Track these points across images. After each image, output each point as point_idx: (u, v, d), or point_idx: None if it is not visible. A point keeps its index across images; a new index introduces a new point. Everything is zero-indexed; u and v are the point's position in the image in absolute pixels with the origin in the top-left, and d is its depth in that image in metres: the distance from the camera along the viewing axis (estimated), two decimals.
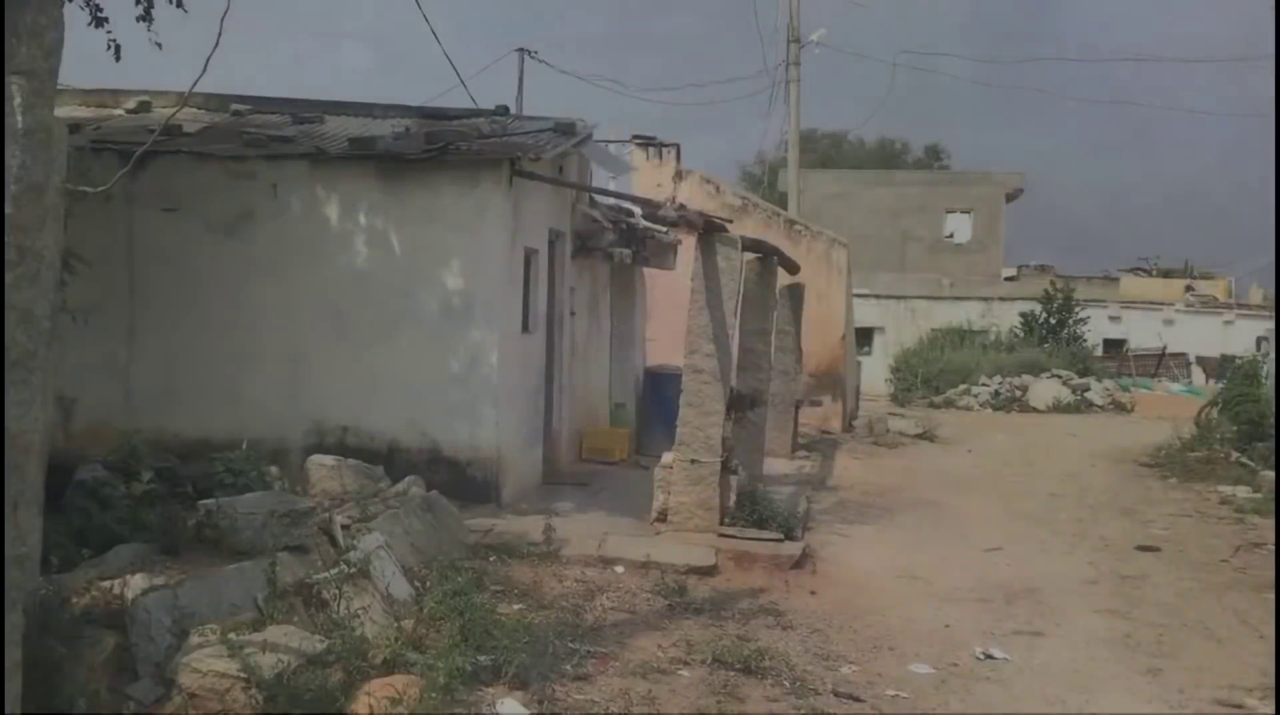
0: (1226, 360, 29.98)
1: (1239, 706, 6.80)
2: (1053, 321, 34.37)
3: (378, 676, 5.71)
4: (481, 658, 6.18)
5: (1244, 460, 17.18)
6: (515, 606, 7.61)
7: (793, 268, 14.91)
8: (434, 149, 11.11)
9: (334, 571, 6.79)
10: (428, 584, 7.44)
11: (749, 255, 11.99)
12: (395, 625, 6.45)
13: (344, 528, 7.79)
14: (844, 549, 10.71)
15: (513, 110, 15.36)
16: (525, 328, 11.99)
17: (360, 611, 6.36)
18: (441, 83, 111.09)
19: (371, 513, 8.42)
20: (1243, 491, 14.80)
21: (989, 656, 7.55)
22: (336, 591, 6.53)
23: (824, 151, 54.30)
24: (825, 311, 21.05)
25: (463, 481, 10.88)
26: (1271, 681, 7.21)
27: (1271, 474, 15.50)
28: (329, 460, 9.89)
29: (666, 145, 21.42)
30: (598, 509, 11.13)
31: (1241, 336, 33.41)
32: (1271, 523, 12.88)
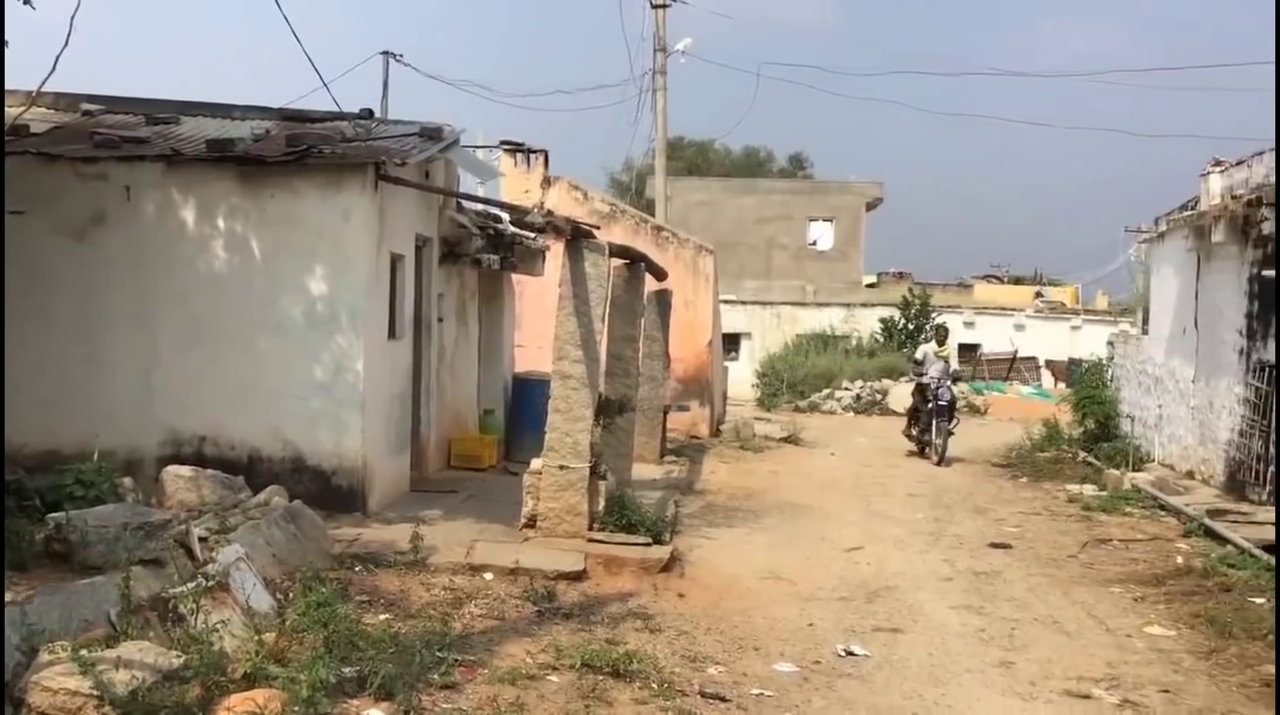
0: (1074, 364, 31.24)
1: (1087, 696, 7.10)
2: (911, 327, 35.32)
3: (238, 691, 5.58)
4: (346, 669, 6.08)
5: (1090, 460, 17.95)
6: (381, 616, 7.52)
7: (660, 274, 15.05)
8: (296, 152, 10.91)
9: (191, 585, 6.61)
10: (290, 595, 7.29)
11: (617, 261, 12.07)
12: (256, 638, 6.31)
13: (202, 540, 7.59)
14: (711, 552, 10.85)
15: (378, 114, 15.16)
16: (392, 334, 11.85)
17: (219, 625, 6.19)
18: (303, 85, 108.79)
19: (231, 524, 8.21)
20: (1089, 490, 15.44)
21: (850, 653, 7.76)
22: (194, 605, 6.35)
23: (691, 159, 54.87)
24: (693, 317, 21.29)
25: (328, 491, 10.70)
26: (1118, 672, 7.56)
27: (1116, 472, 16.23)
28: (186, 471, 9.61)
29: (535, 151, 21.39)
30: (466, 516, 11.06)
31: (1088, 341, 34.81)
32: (1116, 519, 13.51)
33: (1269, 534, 11.57)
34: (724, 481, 16.05)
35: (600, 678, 6.66)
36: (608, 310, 11.31)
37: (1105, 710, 6.86)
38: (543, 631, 7.61)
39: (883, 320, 36.07)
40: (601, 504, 10.37)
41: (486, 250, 14.59)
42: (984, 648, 8.10)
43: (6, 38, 8.78)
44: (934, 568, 10.78)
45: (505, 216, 13.88)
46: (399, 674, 6.14)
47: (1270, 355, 13.48)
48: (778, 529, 12.52)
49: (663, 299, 16.55)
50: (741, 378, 32.73)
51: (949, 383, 19.08)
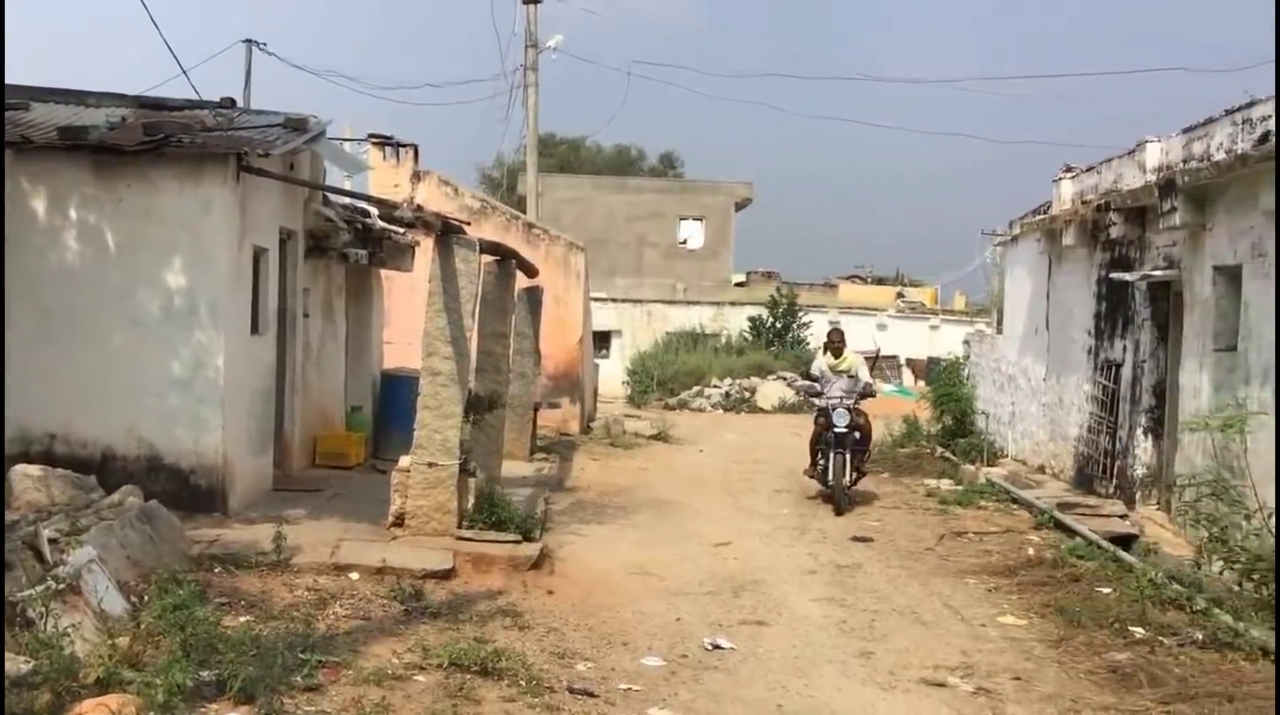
0: (933, 362, 32.17)
1: (943, 685, 7.33)
2: (779, 326, 35.93)
3: (90, 697, 5.39)
4: (204, 673, 5.93)
5: (948, 455, 18.52)
6: (242, 618, 7.35)
7: (531, 271, 15.02)
8: (153, 141, 10.55)
9: (40, 588, 6.36)
10: (146, 598, 7.07)
11: (487, 258, 12.01)
12: (109, 642, 6.10)
13: (52, 541, 7.29)
14: (581, 548, 10.88)
15: (240, 104, 14.77)
16: (255, 329, 11.57)
17: (70, 629, 5.98)
18: (160, 72, 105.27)
19: (83, 525, 7.92)
20: (946, 484, 15.93)
21: (716, 646, 7.87)
22: (43, 609, 6.11)
23: (563, 156, 54.79)
24: (563, 315, 21.28)
25: (186, 490, 10.40)
26: (972, 661, 7.83)
27: (972, 467, 16.78)
28: (35, 470, 9.24)
29: (404, 145, 21.12)
30: (332, 515, 10.87)
31: (946, 340, 35.92)
32: (971, 512, 13.96)
33: (1115, 526, 12.11)
34: (594, 478, 16.10)
35: (468, 676, 6.63)
36: (478, 307, 11.25)
37: (960, 698, 7.09)
38: (409, 631, 7.53)
39: (751, 319, 36.59)
40: (471, 501, 10.31)
41: (354, 245, 14.35)
42: (845, 639, 8.30)
43: None
44: (799, 562, 11.00)
45: (374, 211, 13.67)
46: (260, 677, 6.01)
47: (1116, 354, 14.09)
48: (647, 525, 12.62)
49: (533, 296, 16.52)
50: (612, 375, 32.86)
51: (852, 403, 14.34)
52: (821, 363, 15.18)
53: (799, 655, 7.81)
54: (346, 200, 14.41)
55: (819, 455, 14.55)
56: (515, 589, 9.02)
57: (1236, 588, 8.98)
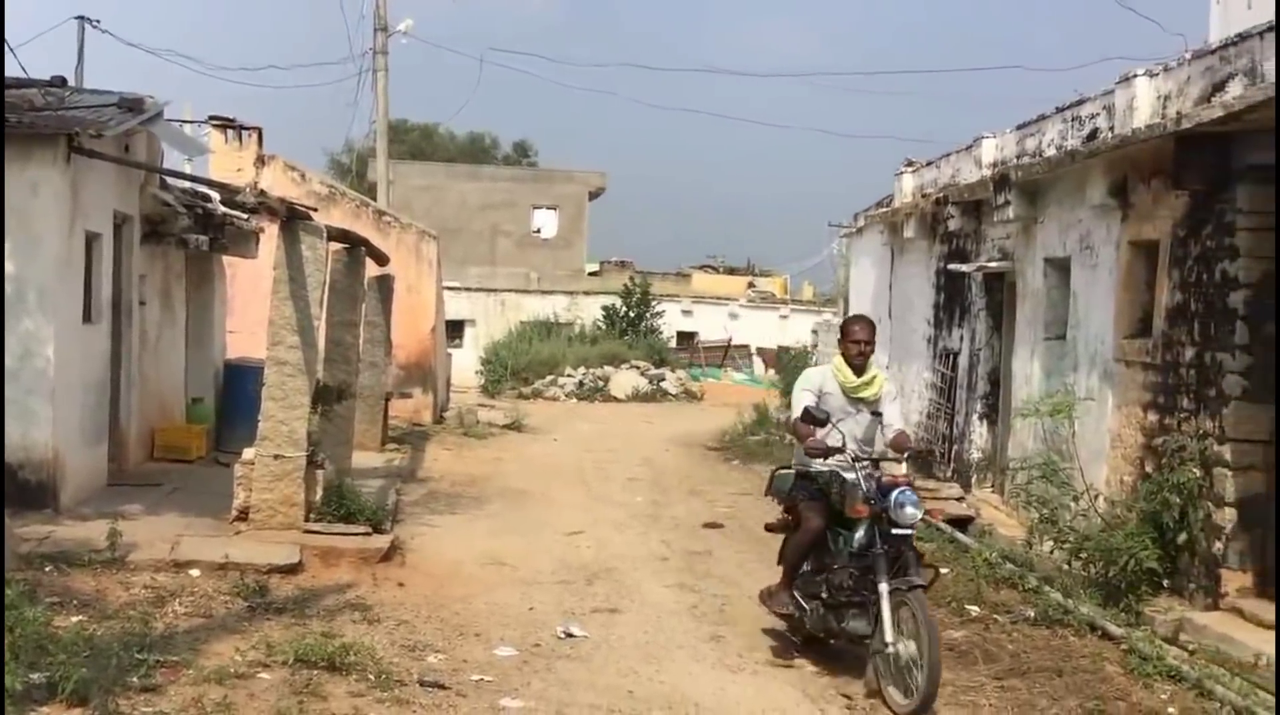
0: (783, 351, 32.83)
1: (790, 665, 7.52)
2: (632, 315, 36.12)
3: None
4: (34, 675, 5.68)
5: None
6: (75, 618, 7.05)
7: (382, 259, 14.76)
8: None
9: None
10: None
11: (336, 245, 11.75)
12: None
13: None
14: (433, 540, 10.77)
15: (72, 83, 14.12)
16: (87, 318, 11.08)
17: None
18: None
19: None
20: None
21: (570, 635, 7.89)
22: None
23: (415, 143, 53.95)
24: (415, 303, 20.99)
25: (13, 486, 9.89)
26: None
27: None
28: None
29: (247, 128, 20.47)
30: (171, 510, 10.50)
31: (796, 329, 36.65)
32: None
33: (953, 509, 12.54)
34: (447, 468, 15.95)
35: (315, 672, 6.49)
36: (326, 295, 11.01)
37: (806, 677, 7.28)
38: (254, 628, 7.34)
39: (605, 308, 36.69)
40: (319, 494, 10.08)
41: (194, 230, 13.86)
42: (697, 624, 8.42)
43: None
44: (652, 548, 11.10)
45: (215, 195, 13.23)
46: (94, 678, 5.78)
47: (954, 343, 14.61)
48: (501, 515, 12.56)
49: (384, 284, 16.25)
50: (466, 365, 32.57)
51: (904, 470, 7.67)
52: (829, 379, 7.73)
53: (651, 641, 7.89)
54: (186, 184, 13.91)
55: (799, 575, 7.61)
56: (365, 582, 8.87)
57: (1065, 566, 9.43)
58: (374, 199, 24.58)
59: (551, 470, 16.48)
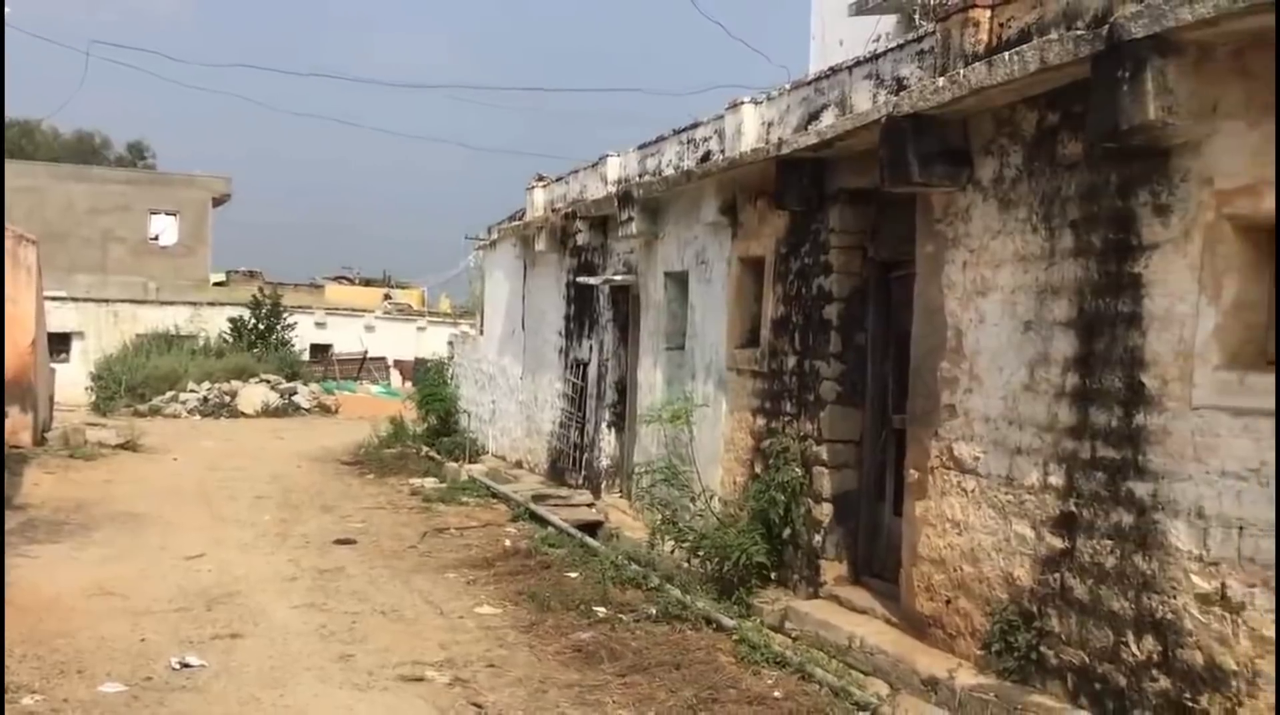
0: (420, 363, 32.57)
1: (421, 679, 7.47)
2: (262, 327, 34.71)
3: None
4: None
5: (433, 454, 18.85)
6: None
7: None
8: None
9: None
10: None
11: None
12: None
13: None
14: (31, 571, 9.88)
15: None
16: None
17: None
18: None
19: None
20: (430, 482, 16.21)
21: (186, 665, 7.48)
22: None
23: (14, 140, 49.34)
24: (12, 314, 19.09)
25: None
26: (450, 653, 8.03)
27: (454, 464, 17.19)
28: None
29: None
30: None
31: (433, 341, 36.47)
32: (454, 509, 14.32)
33: (584, 514, 12.98)
34: (49, 493, 14.65)
35: None
36: None
37: (437, 690, 7.26)
38: None
39: (232, 320, 35.06)
40: None
41: None
42: (325, 644, 8.20)
43: None
44: (278, 569, 10.70)
45: None
46: None
47: (584, 354, 15.06)
48: (111, 541, 11.70)
49: None
50: (73, 380, 30.06)
51: None
52: None
53: (275, 665, 7.61)
54: None
55: None
56: None
57: (685, 564, 9.94)
58: None
59: (170, 491, 15.50)
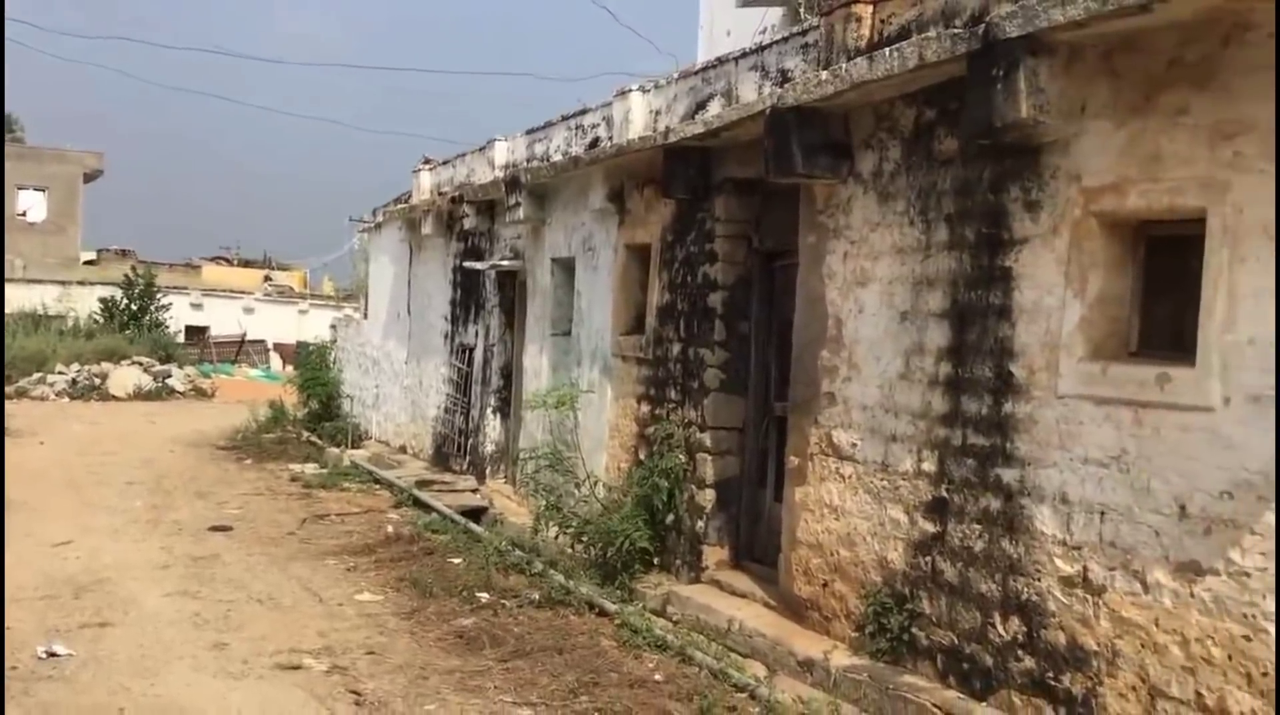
0: (302, 346, 31.94)
1: (298, 667, 7.35)
2: (134, 308, 33.72)
3: None
4: None
5: (314, 439, 18.54)
6: None
7: None
8: None
9: None
10: None
11: None
12: None
13: None
14: None
15: None
16: None
17: None
18: None
19: None
20: (311, 468, 15.94)
21: (53, 654, 7.27)
22: None
23: None
24: None
25: None
26: (329, 641, 7.92)
27: (337, 450, 16.95)
28: None
29: None
30: None
31: (315, 325, 35.79)
32: (335, 495, 14.12)
33: (468, 500, 12.92)
34: None
35: None
36: None
37: (314, 678, 7.16)
38: None
39: (103, 300, 33.99)
40: None
41: None
42: (198, 632, 8.03)
43: None
44: (150, 556, 10.43)
45: None
46: None
47: (470, 339, 14.96)
48: None
49: None
50: None
51: None
52: None
53: (146, 654, 7.43)
54: None
55: None
56: None
57: (569, 550, 9.96)
58: None
59: (36, 476, 14.96)
